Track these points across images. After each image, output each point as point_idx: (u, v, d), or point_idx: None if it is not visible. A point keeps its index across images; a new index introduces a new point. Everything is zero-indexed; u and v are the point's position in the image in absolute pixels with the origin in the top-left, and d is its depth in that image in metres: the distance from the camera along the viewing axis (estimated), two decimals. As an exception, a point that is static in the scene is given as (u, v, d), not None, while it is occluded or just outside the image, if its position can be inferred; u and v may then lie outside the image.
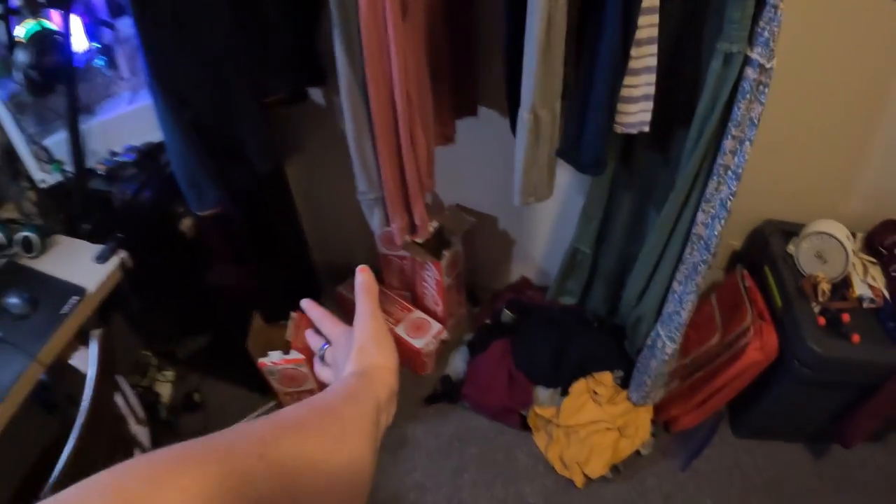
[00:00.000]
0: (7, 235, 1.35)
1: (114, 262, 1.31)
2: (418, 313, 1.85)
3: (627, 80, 1.03)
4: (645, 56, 1.02)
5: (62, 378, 1.33)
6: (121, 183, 1.38)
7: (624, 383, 1.63)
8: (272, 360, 1.54)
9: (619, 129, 1.09)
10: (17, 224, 1.39)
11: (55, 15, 1.19)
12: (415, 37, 1.07)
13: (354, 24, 1.01)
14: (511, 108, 1.09)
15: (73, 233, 1.41)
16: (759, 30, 0.98)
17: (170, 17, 1.12)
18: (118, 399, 1.29)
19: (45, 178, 1.35)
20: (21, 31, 1.17)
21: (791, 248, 1.63)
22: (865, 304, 1.52)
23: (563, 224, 1.68)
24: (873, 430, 1.57)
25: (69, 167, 1.31)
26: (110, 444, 1.21)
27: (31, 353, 1.14)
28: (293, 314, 1.64)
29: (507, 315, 1.77)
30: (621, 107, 1.06)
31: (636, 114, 1.07)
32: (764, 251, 1.68)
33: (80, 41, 1.26)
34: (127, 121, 1.36)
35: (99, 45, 1.32)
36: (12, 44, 1.18)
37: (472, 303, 2.03)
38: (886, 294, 1.53)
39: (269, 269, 1.79)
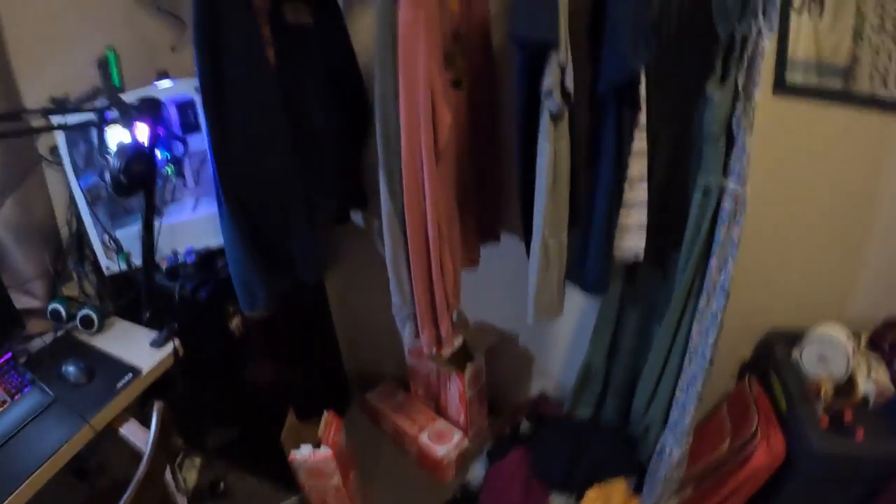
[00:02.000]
0: (68, 311, 1.52)
1: (168, 347, 1.46)
2: (442, 422, 1.95)
3: (623, 213, 1.22)
4: (637, 192, 1.22)
5: (97, 448, 1.42)
6: (181, 280, 1.57)
7: (636, 490, 1.67)
8: (303, 454, 1.63)
9: (618, 256, 1.26)
10: (77, 302, 1.57)
11: (142, 126, 1.34)
12: (446, 178, 1.28)
13: (396, 167, 1.22)
14: (526, 236, 1.27)
15: (130, 318, 1.56)
16: (732, 164, 1.17)
17: (241, 140, 1.34)
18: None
19: (110, 265, 1.54)
20: (115, 139, 1.35)
21: (795, 354, 1.73)
22: (871, 402, 1.58)
23: (578, 342, 1.80)
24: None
25: (135, 259, 1.48)
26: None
27: (85, 417, 1.25)
28: (325, 413, 1.74)
29: (525, 425, 1.85)
30: (618, 236, 1.24)
31: (632, 242, 1.25)
32: (770, 358, 1.78)
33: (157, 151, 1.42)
34: (189, 226, 1.56)
35: (169, 155, 1.52)
36: (102, 147, 1.36)
37: (493, 414, 2.11)
38: (893, 389, 1.58)
39: (304, 371, 1.92)
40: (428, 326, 1.37)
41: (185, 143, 1.54)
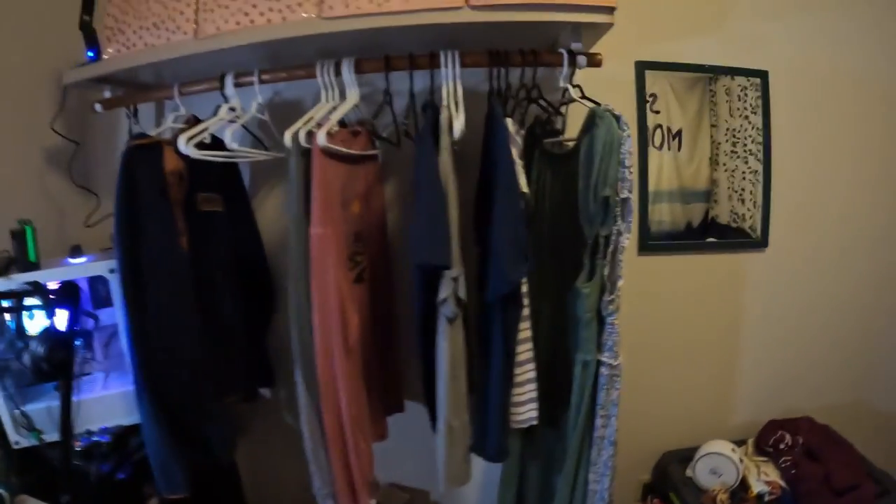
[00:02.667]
0: None
1: None
2: None
3: (515, 391, 1.38)
4: (526, 372, 1.38)
5: None
6: (96, 460, 1.53)
7: None
8: None
9: (514, 426, 1.40)
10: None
11: (62, 312, 1.39)
12: (356, 367, 1.39)
13: (312, 368, 1.33)
14: (430, 414, 1.40)
15: (41, 496, 1.48)
16: (605, 341, 1.36)
17: (157, 324, 1.39)
18: None
19: (20, 440, 1.49)
20: (35, 326, 1.39)
21: (689, 472, 1.92)
22: (766, 499, 1.79)
23: (488, 495, 1.89)
24: None
25: (46, 436, 1.46)
26: None
27: None
28: None
29: None
30: (513, 410, 1.39)
31: (525, 413, 1.40)
32: (667, 478, 1.96)
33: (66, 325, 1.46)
34: (101, 402, 1.54)
35: (79, 329, 1.51)
36: (21, 333, 1.39)
37: None
38: (783, 484, 1.81)
39: None
40: (347, 502, 1.44)
41: (96, 318, 1.57)
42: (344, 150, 1.32)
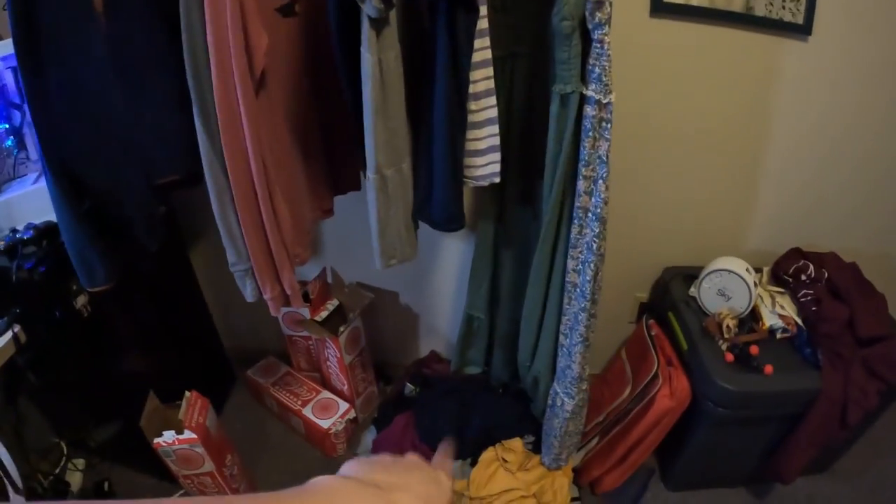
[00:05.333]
0: None
1: (7, 336, 1.29)
2: (326, 394, 1.80)
3: (471, 134, 1.05)
4: (485, 108, 1.05)
5: None
6: (18, 259, 1.36)
7: (536, 448, 1.57)
8: (166, 440, 1.46)
9: (470, 184, 1.10)
10: None
11: None
12: (273, 114, 1.09)
13: (210, 100, 1.02)
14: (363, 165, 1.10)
15: None
16: (591, 67, 1.01)
17: (63, 97, 1.12)
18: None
19: None
20: None
21: (693, 291, 1.64)
22: (778, 335, 1.51)
23: (461, 293, 1.67)
24: (811, 461, 1.52)
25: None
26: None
27: None
28: (187, 393, 1.56)
29: (408, 388, 1.73)
30: (469, 160, 1.08)
31: (485, 166, 1.08)
32: (667, 297, 1.69)
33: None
34: (29, 198, 1.39)
35: (7, 126, 1.36)
36: None
37: (384, 381, 1.99)
38: (798, 321, 1.51)
39: (175, 354, 1.74)
40: (270, 282, 1.19)
41: (22, 111, 1.35)
42: None
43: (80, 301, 1.46)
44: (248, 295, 1.22)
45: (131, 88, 1.20)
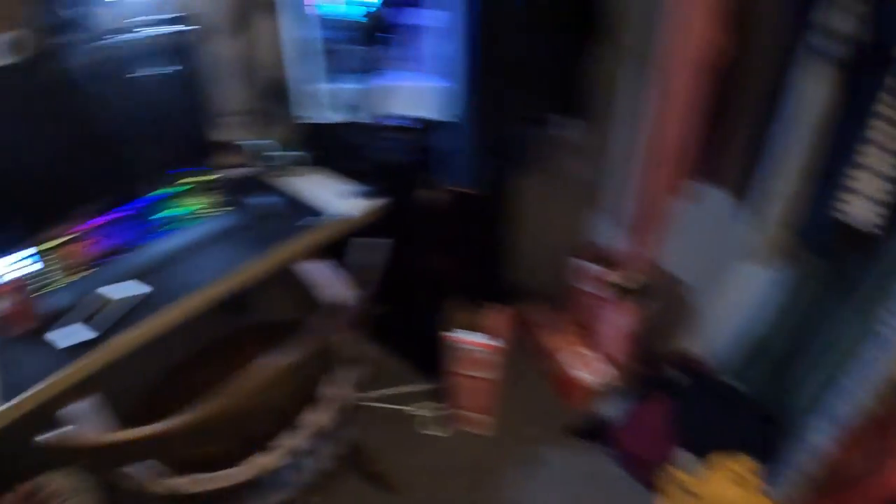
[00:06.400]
0: (278, 149, 1.59)
1: (368, 204, 1.52)
2: (588, 349, 1.94)
3: (852, 174, 1.08)
4: (873, 158, 1.05)
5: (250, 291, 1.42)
6: (388, 142, 1.59)
7: (765, 473, 1.54)
8: (468, 338, 1.62)
9: (838, 216, 1.12)
10: (278, 145, 1.64)
11: None
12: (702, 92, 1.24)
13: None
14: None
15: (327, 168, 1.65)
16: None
17: (499, 22, 1.34)
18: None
19: (314, 115, 1.61)
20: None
21: None
22: None
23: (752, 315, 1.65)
24: None
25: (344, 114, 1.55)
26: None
27: (265, 249, 1.35)
28: (501, 304, 1.75)
29: (678, 375, 1.78)
30: (844, 198, 1.11)
31: (858, 206, 1.10)
32: None
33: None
34: (406, 91, 1.53)
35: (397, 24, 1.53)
36: None
37: (641, 358, 2.02)
38: None
39: (463, 264, 1.87)
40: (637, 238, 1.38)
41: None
42: None
43: (427, 196, 1.67)
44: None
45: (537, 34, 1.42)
